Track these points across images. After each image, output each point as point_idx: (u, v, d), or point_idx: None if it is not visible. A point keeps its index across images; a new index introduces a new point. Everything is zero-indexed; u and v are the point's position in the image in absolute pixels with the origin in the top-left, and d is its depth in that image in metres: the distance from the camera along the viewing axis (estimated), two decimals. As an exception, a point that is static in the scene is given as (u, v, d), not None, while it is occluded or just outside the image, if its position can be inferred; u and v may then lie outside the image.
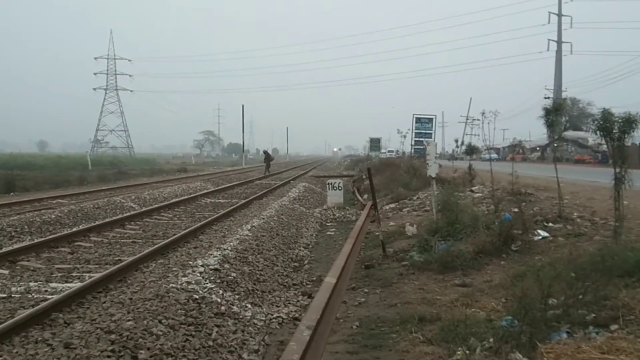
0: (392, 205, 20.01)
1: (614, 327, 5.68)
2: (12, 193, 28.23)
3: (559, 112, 11.30)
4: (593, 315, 6.05)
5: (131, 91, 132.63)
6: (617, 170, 8.63)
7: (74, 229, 14.18)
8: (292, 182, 35.45)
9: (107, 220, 16.04)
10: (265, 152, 49.02)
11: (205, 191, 27.10)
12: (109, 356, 5.15)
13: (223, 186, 30.74)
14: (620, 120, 8.46)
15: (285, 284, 9.83)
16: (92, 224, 14.99)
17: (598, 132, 8.73)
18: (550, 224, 11.56)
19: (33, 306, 7.29)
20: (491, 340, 5.76)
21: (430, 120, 20.90)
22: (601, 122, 8.48)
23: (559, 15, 65.39)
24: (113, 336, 5.55)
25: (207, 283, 8.16)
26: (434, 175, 13.61)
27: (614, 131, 8.51)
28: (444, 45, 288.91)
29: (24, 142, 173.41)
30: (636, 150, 43.05)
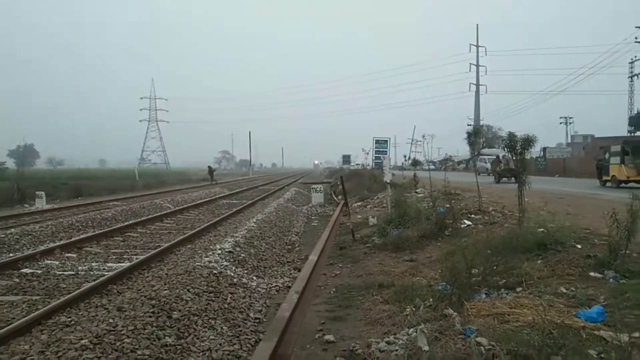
0: (359, 203, 19.99)
1: (519, 289, 5.70)
2: (79, 197, 27.91)
3: (477, 135, 11.40)
4: (504, 281, 6.07)
5: (167, 122, 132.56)
6: (520, 175, 8.74)
7: (125, 224, 14.02)
8: (286, 187, 35.32)
9: (149, 216, 15.90)
10: (209, 167, 47.45)
11: (222, 195, 26.88)
12: (150, 316, 5.07)
13: (235, 191, 30.52)
14: (520, 140, 8.56)
15: (281, 261, 9.75)
16: (138, 220, 14.85)
17: (506, 149, 8.82)
18: (473, 216, 11.60)
19: (94, 280, 7.23)
20: (431, 300, 5.74)
21: (386, 141, 20.90)
22: (507, 141, 8.58)
23: (477, 66, 66.36)
24: (153, 301, 5.46)
25: (223, 262, 8.09)
26: (388, 180, 13.64)
27: (517, 148, 8.59)
28: (396, 87, 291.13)
29: (88, 160, 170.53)
30: (533, 162, 43.47)
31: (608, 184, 20.76)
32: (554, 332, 3.94)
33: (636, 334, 3.79)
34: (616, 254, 5.95)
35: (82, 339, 4.33)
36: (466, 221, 10.84)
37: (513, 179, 27.28)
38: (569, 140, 69.96)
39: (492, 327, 4.30)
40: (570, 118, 73.89)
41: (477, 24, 68.98)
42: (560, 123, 74.06)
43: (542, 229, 7.82)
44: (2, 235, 11.14)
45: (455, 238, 9.59)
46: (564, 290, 5.34)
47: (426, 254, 8.87)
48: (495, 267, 6.25)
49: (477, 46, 65.81)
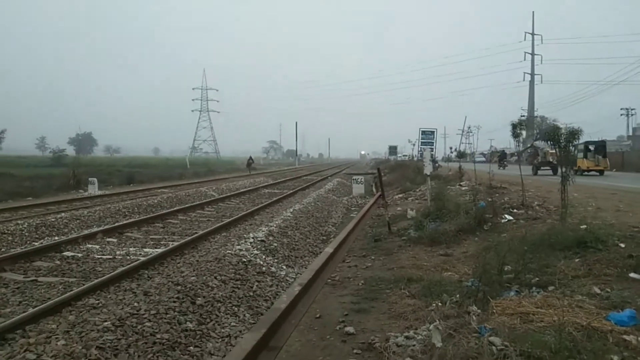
0: (401, 195, 19.76)
1: (551, 288, 5.47)
2: (131, 184, 28.97)
3: (521, 127, 10.96)
4: (537, 279, 5.84)
5: (218, 112, 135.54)
6: (564, 170, 8.35)
7: (168, 210, 14.37)
8: (329, 177, 35.33)
9: (192, 204, 16.19)
10: (250, 157, 47.78)
11: (266, 184, 27.23)
12: (174, 301, 5.20)
13: (278, 180, 30.84)
14: (565, 133, 8.17)
15: (314, 252, 9.72)
16: (181, 207, 15.18)
17: (549, 142, 8.45)
18: (515, 210, 11.24)
19: (128, 265, 7.45)
20: (457, 296, 5.60)
21: (432, 132, 20.34)
22: (550, 134, 8.21)
23: (532, 54, 64.02)
24: (179, 287, 5.60)
25: (254, 250, 8.15)
26: (428, 173, 13.39)
27: (561, 141, 8.22)
28: (452, 75, 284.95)
29: (144, 148, 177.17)
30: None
31: None
32: (578, 334, 3.76)
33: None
34: (660, 255, 5.60)
35: (105, 321, 4.51)
36: (507, 216, 10.51)
37: (551, 171, 28.14)
38: (630, 133, 66.22)
39: (513, 326, 4.14)
40: (632, 109, 69.80)
41: (533, 11, 66.37)
42: (621, 115, 70.14)
43: (585, 226, 7.47)
44: (53, 220, 11.72)
45: (493, 233, 9.33)
46: (598, 291, 5.08)
47: (462, 249, 8.68)
48: (529, 265, 6.03)
49: (533, 34, 63.37)
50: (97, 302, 5.59)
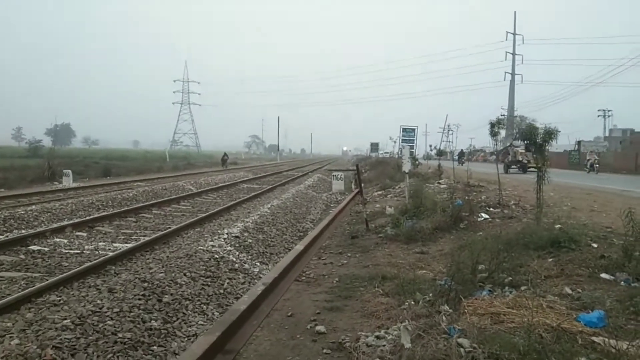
0: (380, 192, 19.72)
1: (523, 287, 5.45)
2: (108, 177, 28.50)
3: (499, 126, 10.97)
4: (510, 278, 5.81)
5: (199, 105, 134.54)
6: (539, 169, 8.36)
7: (142, 204, 14.09)
8: (310, 173, 35.21)
9: (168, 198, 15.97)
10: (224, 154, 47.23)
11: (245, 179, 26.99)
12: (139, 298, 5.04)
13: (259, 175, 30.62)
14: (541, 132, 8.18)
15: (289, 248, 9.51)
16: (157, 201, 14.93)
17: (524, 140, 8.44)
18: (492, 209, 11.31)
19: (95, 260, 7.23)
20: (430, 295, 5.55)
21: (413, 130, 20.43)
22: (526, 133, 8.20)
23: (513, 54, 64.62)
24: (146, 284, 5.43)
25: (227, 247, 7.98)
26: (407, 170, 13.37)
27: (537, 140, 8.22)
28: (432, 74, 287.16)
29: (122, 140, 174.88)
30: (565, 155, 42.20)
31: None
32: (547, 335, 3.72)
33: (636, 342, 3.53)
34: (631, 255, 5.62)
35: (65, 319, 4.32)
36: (483, 214, 10.55)
37: (521, 170, 29.19)
38: (607, 134, 67.38)
39: (484, 327, 4.10)
40: (609, 111, 71.00)
41: (515, 11, 67.02)
42: (598, 116, 71.32)
43: (559, 226, 7.50)
44: (22, 212, 11.38)
45: (470, 232, 9.35)
46: (569, 291, 5.07)
47: (438, 247, 8.67)
48: (502, 264, 6.01)
49: (514, 34, 63.97)
50: (58, 299, 5.38)
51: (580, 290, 5.11)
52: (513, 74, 64.75)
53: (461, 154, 46.78)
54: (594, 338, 3.79)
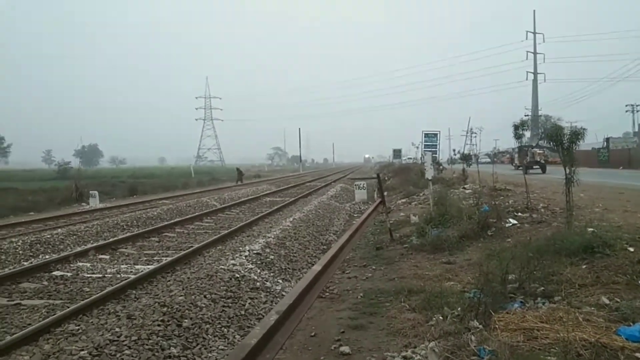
0: (404, 200, 19.42)
1: (557, 298, 5.16)
2: (134, 196, 28.82)
3: (524, 127, 10.64)
4: (542, 288, 5.53)
5: (222, 120, 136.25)
6: (567, 171, 8.01)
7: (165, 223, 14.07)
8: (332, 183, 35.01)
9: (192, 215, 15.95)
10: (237, 169, 46.87)
11: (268, 192, 26.95)
12: (158, 324, 4.92)
13: (281, 187, 30.56)
14: (567, 132, 7.85)
15: (313, 262, 9.33)
16: (180, 219, 14.89)
17: (550, 142, 8.10)
18: (520, 214, 10.93)
19: (117, 284, 7.15)
20: (459, 309, 5.31)
21: (435, 134, 20.01)
22: (552, 134, 7.86)
23: (535, 53, 63.56)
24: (165, 309, 5.32)
25: (249, 264, 7.85)
26: (430, 177, 13.10)
27: (564, 141, 7.89)
28: (453, 77, 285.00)
29: (149, 158, 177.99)
30: (594, 153, 41.02)
31: None
32: (585, 353, 3.46)
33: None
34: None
35: (82, 350, 4.24)
36: (511, 220, 10.19)
37: (540, 169, 29.68)
38: (636, 129, 65.34)
39: (516, 344, 3.85)
40: (637, 105, 68.89)
41: (534, 10, 65.93)
42: (626, 111, 69.19)
43: (592, 229, 7.14)
44: (48, 236, 11.50)
45: (498, 239, 9.04)
46: (607, 301, 4.77)
47: (465, 256, 8.39)
48: (533, 273, 5.72)
49: (535, 33, 62.92)
50: (77, 327, 5.30)
51: (618, 300, 4.79)
52: (535, 73, 63.66)
53: (467, 156, 46.39)
54: (637, 354, 3.52)
